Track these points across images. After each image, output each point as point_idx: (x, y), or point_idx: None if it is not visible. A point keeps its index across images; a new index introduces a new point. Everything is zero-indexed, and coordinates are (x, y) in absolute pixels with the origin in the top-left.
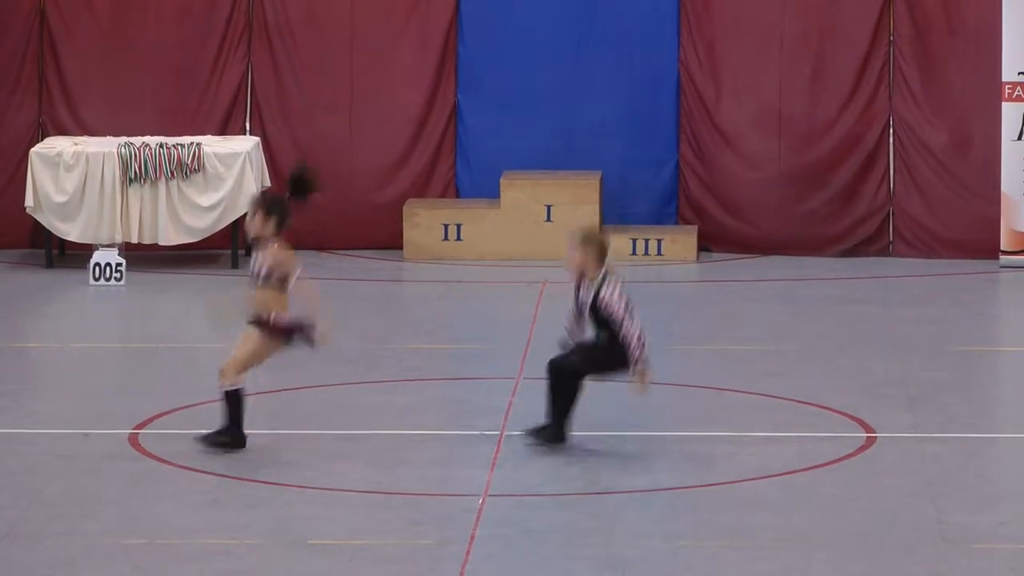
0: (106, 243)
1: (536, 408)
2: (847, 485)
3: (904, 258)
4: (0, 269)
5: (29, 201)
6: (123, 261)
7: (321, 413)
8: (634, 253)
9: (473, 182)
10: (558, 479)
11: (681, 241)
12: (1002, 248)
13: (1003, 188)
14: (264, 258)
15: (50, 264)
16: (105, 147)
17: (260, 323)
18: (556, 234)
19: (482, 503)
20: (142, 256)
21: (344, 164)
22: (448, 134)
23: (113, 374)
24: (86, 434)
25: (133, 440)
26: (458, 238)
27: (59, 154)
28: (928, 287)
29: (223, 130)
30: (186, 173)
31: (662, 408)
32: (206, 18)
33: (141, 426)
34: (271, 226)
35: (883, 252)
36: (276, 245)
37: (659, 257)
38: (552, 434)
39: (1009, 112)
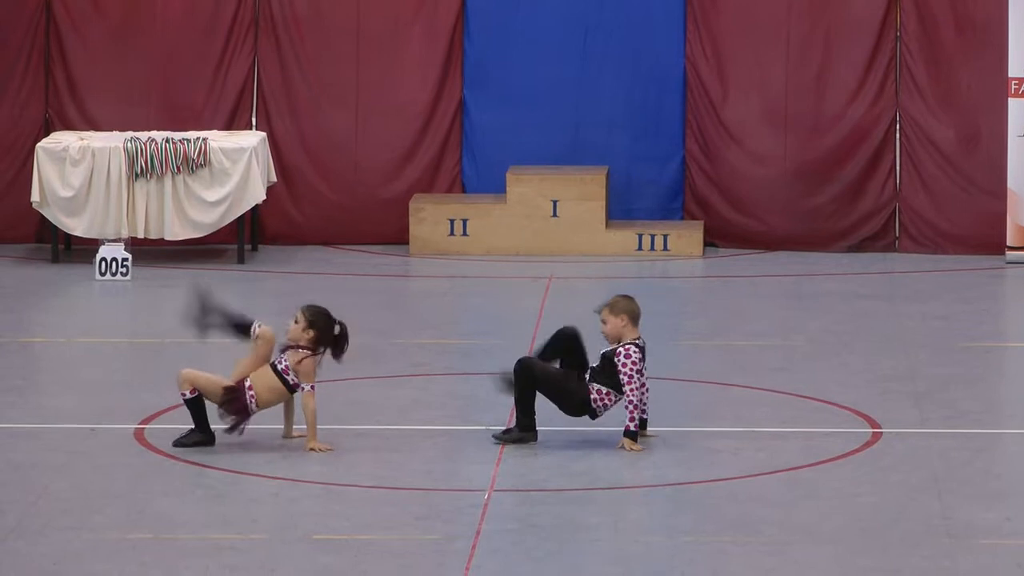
0: (112, 238)
1: (540, 404)
2: (853, 480)
3: (910, 254)
4: (6, 264)
5: (35, 196)
6: (129, 256)
7: (327, 408)
8: (640, 248)
9: (479, 177)
10: (563, 474)
11: (687, 236)
12: (1008, 244)
13: (1009, 184)
14: (291, 360)
15: (56, 259)
16: (111, 142)
17: (232, 390)
18: (562, 229)
19: (488, 498)
20: (148, 251)
21: (350, 159)
22: (454, 129)
23: (119, 369)
24: (92, 429)
25: (139, 435)
26: (464, 233)
27: (65, 149)
28: (934, 283)
29: (229, 125)
30: (192, 168)
31: (667, 403)
32: (212, 13)
33: (147, 421)
34: (308, 337)
35: (889, 248)
36: (305, 358)
37: (665, 252)
38: (518, 434)
39: (1016, 108)
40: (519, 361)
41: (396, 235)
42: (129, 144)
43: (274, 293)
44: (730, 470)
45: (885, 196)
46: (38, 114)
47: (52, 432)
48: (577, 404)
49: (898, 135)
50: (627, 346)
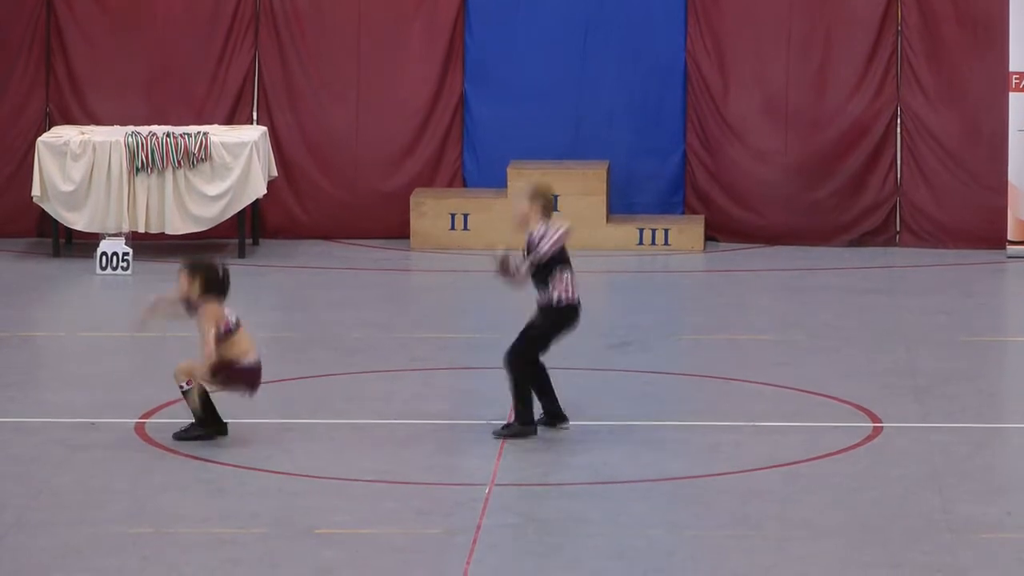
0: (113, 232)
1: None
2: (854, 475)
3: (911, 248)
4: (7, 258)
5: (36, 190)
6: (130, 250)
7: (328, 402)
8: (641, 243)
9: (480, 172)
10: (564, 469)
11: (688, 231)
12: (1009, 238)
13: (1010, 178)
14: (204, 321)
15: (57, 253)
16: (112, 136)
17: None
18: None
19: (488, 492)
20: (149, 245)
21: (351, 153)
22: (455, 124)
23: (120, 363)
24: (93, 423)
25: (140, 429)
26: (465, 227)
27: (66, 143)
28: (935, 277)
29: (230, 119)
30: (193, 162)
31: (669, 398)
32: (213, 8)
33: (148, 415)
34: (196, 288)
35: (890, 242)
36: (205, 305)
37: (666, 247)
38: (518, 428)
39: (1016, 102)
40: (507, 353)
41: (397, 229)
42: (130, 138)
43: (275, 287)
44: (731, 464)
45: (886, 191)
46: (39, 108)
47: (53, 427)
48: (556, 316)
49: (899, 129)
50: (537, 231)
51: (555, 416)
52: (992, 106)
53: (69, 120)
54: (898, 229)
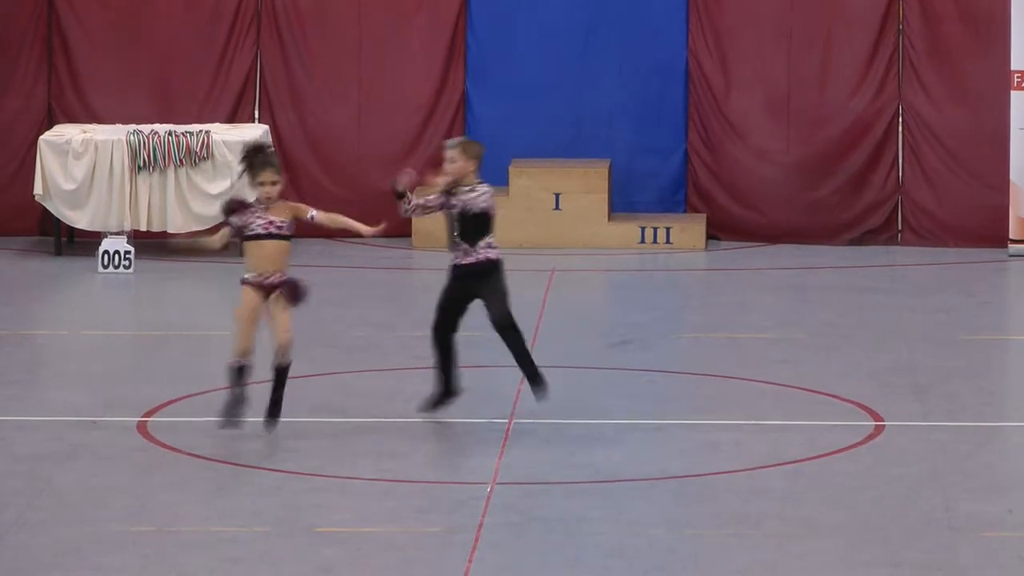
0: (115, 231)
1: (542, 405)
2: (855, 473)
3: (913, 247)
4: (9, 257)
5: (38, 189)
6: (132, 249)
7: (329, 401)
8: (643, 241)
9: (482, 170)
10: (565, 467)
11: (690, 229)
12: (1011, 237)
13: (1012, 177)
14: (276, 215)
15: (59, 252)
16: (114, 135)
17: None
18: (564, 222)
19: (490, 491)
20: (151, 244)
21: (353, 152)
22: (457, 122)
23: (122, 362)
24: (95, 422)
25: (142, 428)
26: None
27: (68, 142)
28: (936, 276)
29: (232, 118)
30: (195, 161)
31: (669, 396)
32: (215, 6)
33: (150, 414)
34: (268, 179)
35: (892, 241)
36: (277, 198)
37: (667, 245)
38: (539, 382)
39: (1018, 101)
40: (496, 322)
41: (399, 228)
42: (132, 137)
43: None
44: (732, 463)
45: (887, 189)
46: (41, 107)
47: (55, 425)
48: (501, 268)
49: (901, 128)
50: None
51: (450, 393)
52: (994, 105)
53: (71, 118)
54: (900, 228)
